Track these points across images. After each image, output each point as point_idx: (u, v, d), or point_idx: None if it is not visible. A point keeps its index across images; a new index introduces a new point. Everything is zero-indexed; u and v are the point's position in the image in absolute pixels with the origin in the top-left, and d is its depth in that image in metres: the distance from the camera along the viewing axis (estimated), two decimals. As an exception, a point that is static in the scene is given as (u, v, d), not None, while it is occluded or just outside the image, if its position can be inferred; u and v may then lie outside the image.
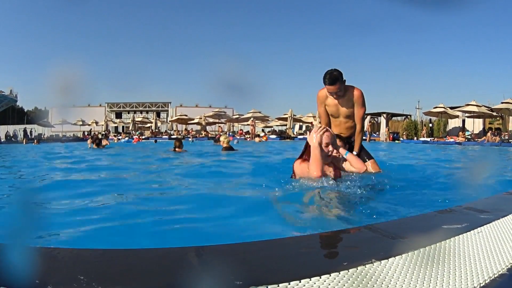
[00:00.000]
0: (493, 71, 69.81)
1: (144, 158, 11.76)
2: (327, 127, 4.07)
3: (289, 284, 1.12)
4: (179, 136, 33.08)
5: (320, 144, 3.86)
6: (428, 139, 28.24)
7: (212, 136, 34.39)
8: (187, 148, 12.70)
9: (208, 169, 7.27)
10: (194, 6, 77.42)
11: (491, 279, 1.23)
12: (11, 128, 39.40)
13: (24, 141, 31.71)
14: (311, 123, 37.07)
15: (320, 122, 5.12)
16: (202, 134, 37.50)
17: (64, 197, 3.93)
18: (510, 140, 23.66)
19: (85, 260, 1.35)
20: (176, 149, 11.88)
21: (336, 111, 4.92)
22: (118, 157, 12.14)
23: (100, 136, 33.99)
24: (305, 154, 4.07)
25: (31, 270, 1.19)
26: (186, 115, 42.08)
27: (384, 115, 35.79)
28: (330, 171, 4.03)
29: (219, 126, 41.84)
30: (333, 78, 4.53)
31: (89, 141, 18.95)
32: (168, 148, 12.57)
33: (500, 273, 1.28)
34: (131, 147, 20.73)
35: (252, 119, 35.52)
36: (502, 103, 26.85)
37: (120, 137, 34.72)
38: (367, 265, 1.27)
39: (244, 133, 37.65)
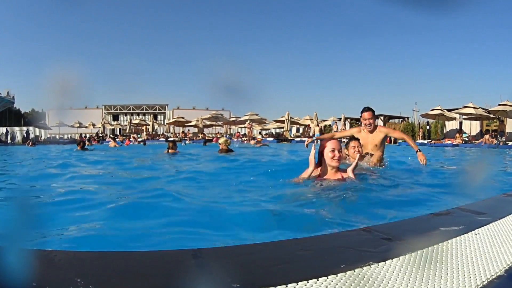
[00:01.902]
0: (490, 73, 69.88)
1: (137, 160, 11.74)
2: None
3: (287, 286, 1.12)
4: (176, 139, 33.07)
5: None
6: (425, 141, 28.27)
7: (209, 138, 34.40)
8: (181, 151, 12.73)
9: (203, 170, 7.26)
10: (191, 8, 77.37)
11: (489, 280, 1.23)
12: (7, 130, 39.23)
13: (27, 143, 31.16)
14: (308, 125, 37.08)
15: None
16: (199, 136, 37.42)
17: (59, 200, 3.93)
18: (507, 142, 23.71)
19: (82, 263, 1.34)
20: (170, 150, 11.99)
21: (366, 143, 6.24)
22: (111, 160, 12.13)
23: (95, 138, 34.07)
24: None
25: (27, 272, 1.19)
26: (183, 118, 41.94)
27: (382, 117, 35.86)
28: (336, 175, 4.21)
29: (218, 132, 41.89)
30: (369, 108, 6.26)
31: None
32: (163, 150, 12.57)
33: (498, 274, 1.28)
34: (121, 150, 20.53)
35: (249, 121, 35.49)
36: (499, 105, 26.91)
37: (117, 139, 34.63)
38: (364, 267, 1.27)
39: (241, 136, 37.62)
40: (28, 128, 40.93)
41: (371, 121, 6.19)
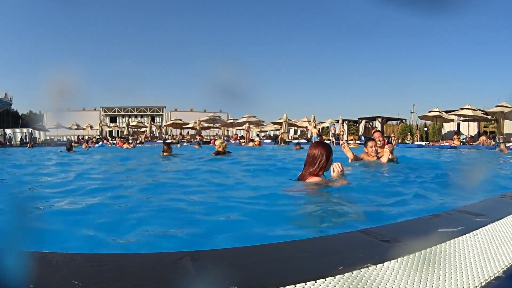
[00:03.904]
0: (488, 75, 69.96)
1: (133, 162, 11.76)
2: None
3: (285, 288, 1.12)
4: (174, 141, 33.09)
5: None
6: (423, 143, 28.28)
7: (207, 140, 34.41)
8: (177, 153, 12.80)
9: (199, 173, 7.25)
10: (188, 10, 77.47)
11: (487, 281, 1.23)
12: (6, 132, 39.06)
13: (30, 145, 30.76)
14: (306, 127, 37.06)
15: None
16: (197, 138, 37.35)
17: (56, 202, 3.91)
18: (505, 143, 23.73)
19: (80, 265, 1.34)
20: (164, 153, 12.11)
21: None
22: (107, 162, 12.14)
23: (95, 140, 34.10)
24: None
25: (25, 274, 1.18)
26: (180, 120, 41.90)
27: (379, 119, 35.90)
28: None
29: (216, 134, 41.85)
30: (378, 130, 9.11)
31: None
32: (158, 153, 12.65)
33: (496, 275, 1.28)
34: (117, 152, 20.35)
35: (247, 124, 35.41)
36: (497, 106, 26.97)
37: (113, 141, 34.60)
38: (362, 269, 1.27)
39: (239, 138, 37.57)
40: (31, 130, 40.80)
41: (380, 138, 7.76)
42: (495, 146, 22.59)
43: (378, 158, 7.48)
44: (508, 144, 21.44)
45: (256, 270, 1.30)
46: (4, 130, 38.52)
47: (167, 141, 31.37)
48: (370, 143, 7.61)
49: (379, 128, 34.42)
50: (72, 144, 19.74)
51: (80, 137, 40.30)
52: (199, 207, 3.62)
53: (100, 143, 33.92)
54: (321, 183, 4.19)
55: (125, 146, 24.38)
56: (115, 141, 32.62)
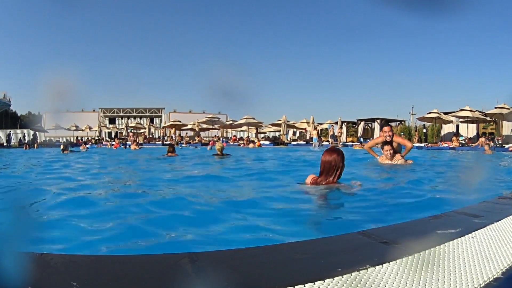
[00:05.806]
0: (487, 76, 69.88)
1: (136, 161, 11.82)
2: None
3: (284, 290, 1.12)
4: (173, 142, 33.19)
5: None
6: (422, 145, 28.27)
7: (206, 142, 34.41)
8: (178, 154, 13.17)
9: (199, 174, 7.26)
10: (187, 11, 77.38)
11: (486, 283, 1.23)
12: (4, 133, 38.96)
13: (35, 146, 30.64)
14: (305, 129, 37.06)
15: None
16: (195, 140, 37.31)
17: (55, 202, 3.90)
18: (503, 145, 23.74)
19: (78, 266, 1.33)
20: (168, 154, 13.07)
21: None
22: (107, 163, 12.18)
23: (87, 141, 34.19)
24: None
25: (23, 275, 1.18)
26: (179, 121, 41.83)
27: (378, 120, 35.89)
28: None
29: (215, 135, 41.80)
30: (387, 124, 10.33)
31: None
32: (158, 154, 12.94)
33: (495, 277, 1.28)
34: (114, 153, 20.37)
35: (248, 135, 35.44)
36: (496, 108, 27.01)
37: (110, 143, 34.58)
38: (361, 271, 1.27)
39: (237, 139, 37.54)
40: (35, 132, 40.73)
41: (390, 133, 8.18)
42: (493, 147, 22.62)
43: (391, 159, 8.01)
44: (507, 146, 21.49)
45: (254, 272, 1.30)
46: (10, 131, 38.43)
47: (166, 142, 31.51)
48: (386, 147, 8.11)
49: (377, 130, 34.48)
50: (68, 146, 19.84)
51: (79, 138, 40.26)
52: (198, 208, 3.61)
53: (90, 144, 33.95)
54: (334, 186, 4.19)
55: (133, 147, 25.22)
56: (113, 143, 32.50)
